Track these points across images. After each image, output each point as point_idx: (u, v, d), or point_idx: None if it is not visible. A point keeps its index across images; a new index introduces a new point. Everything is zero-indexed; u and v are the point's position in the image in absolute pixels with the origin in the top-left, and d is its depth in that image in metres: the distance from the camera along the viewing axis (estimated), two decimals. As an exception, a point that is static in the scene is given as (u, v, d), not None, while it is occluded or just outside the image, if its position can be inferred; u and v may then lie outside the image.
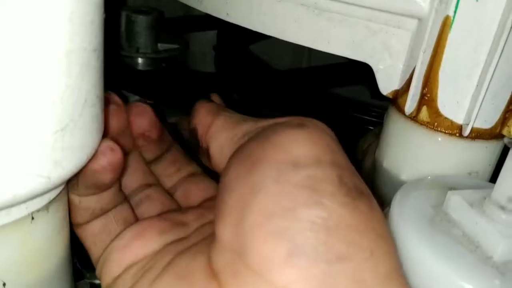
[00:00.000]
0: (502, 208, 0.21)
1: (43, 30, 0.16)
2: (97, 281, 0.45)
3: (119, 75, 0.45)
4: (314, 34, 0.30)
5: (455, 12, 0.24)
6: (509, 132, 0.27)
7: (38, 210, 0.21)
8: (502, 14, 0.23)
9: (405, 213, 0.22)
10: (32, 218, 0.21)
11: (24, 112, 0.17)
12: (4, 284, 0.21)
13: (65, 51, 0.18)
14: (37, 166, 0.19)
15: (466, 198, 0.22)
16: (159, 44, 0.47)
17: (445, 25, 0.25)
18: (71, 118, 0.19)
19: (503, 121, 0.27)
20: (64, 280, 0.26)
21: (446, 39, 0.25)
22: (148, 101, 0.43)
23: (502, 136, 0.27)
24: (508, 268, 0.19)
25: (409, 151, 0.28)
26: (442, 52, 0.25)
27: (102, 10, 0.20)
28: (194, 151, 0.26)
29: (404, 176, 0.29)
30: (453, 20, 0.25)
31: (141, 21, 0.45)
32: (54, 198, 0.22)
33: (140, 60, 0.46)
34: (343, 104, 0.46)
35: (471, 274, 0.19)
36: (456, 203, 0.22)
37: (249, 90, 0.51)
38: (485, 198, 0.21)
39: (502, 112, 0.26)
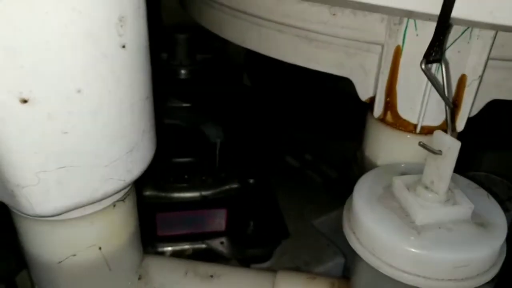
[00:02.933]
0: (427, 188, 0.30)
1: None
2: (159, 249, 0.57)
3: (165, 84, 0.55)
4: (307, 57, 0.39)
5: (403, 43, 0.33)
6: (455, 127, 0.35)
7: (118, 201, 0.33)
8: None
9: (361, 192, 0.31)
10: (114, 206, 0.32)
11: (112, 143, 0.28)
12: (100, 248, 0.33)
13: (131, 103, 0.28)
14: (118, 173, 0.30)
15: (405, 181, 0.31)
16: (197, 55, 0.57)
17: (397, 53, 0.33)
18: (136, 142, 0.30)
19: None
20: (136, 246, 0.38)
21: (399, 63, 0.34)
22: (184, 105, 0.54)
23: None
24: (424, 229, 0.29)
25: (381, 144, 0.37)
26: (397, 72, 0.34)
27: (150, 68, 0.31)
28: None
29: (379, 162, 0.38)
30: (402, 49, 0.33)
31: (181, 39, 0.56)
32: (127, 192, 0.33)
33: (181, 71, 0.57)
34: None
35: (395, 232, 0.28)
36: (397, 185, 0.31)
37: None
38: (418, 181, 0.31)
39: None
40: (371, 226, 0.29)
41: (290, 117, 0.52)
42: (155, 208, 0.54)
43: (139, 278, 0.37)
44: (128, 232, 0.35)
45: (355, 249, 0.30)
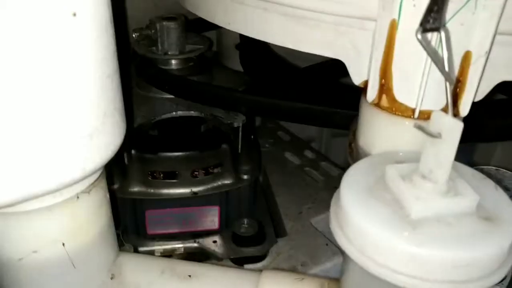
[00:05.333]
0: (424, 177, 0.26)
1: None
2: (150, 248, 0.54)
3: (153, 77, 0.52)
4: (296, 38, 0.35)
5: (399, 16, 0.29)
6: (458, 111, 0.32)
7: (81, 192, 0.30)
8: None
9: (349, 183, 0.28)
10: (77, 197, 0.29)
11: (63, 126, 0.25)
12: (63, 244, 0.30)
13: (86, 81, 0.25)
14: (76, 161, 0.27)
15: (400, 170, 0.27)
16: (186, 46, 0.54)
17: (393, 27, 0.30)
18: (95, 127, 0.27)
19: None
20: (109, 243, 0.34)
21: (394, 39, 0.30)
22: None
23: (454, 116, 0.32)
24: (420, 223, 0.25)
25: (376, 131, 0.34)
26: (392, 50, 0.30)
27: (113, 45, 0.28)
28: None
29: (374, 151, 0.34)
30: (398, 23, 0.30)
31: (171, 27, 0.53)
32: (93, 183, 0.30)
33: (171, 62, 0.54)
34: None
35: (387, 227, 0.24)
36: (391, 174, 0.27)
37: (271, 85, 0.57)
38: (415, 171, 0.27)
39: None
40: (360, 220, 0.25)
41: (286, 110, 0.48)
42: (143, 205, 0.51)
43: (112, 278, 0.34)
44: (96, 227, 0.32)
45: (343, 247, 0.27)
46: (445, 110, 0.26)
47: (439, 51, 0.26)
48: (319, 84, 0.58)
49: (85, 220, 0.31)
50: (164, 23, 0.52)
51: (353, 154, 0.39)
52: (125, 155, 0.44)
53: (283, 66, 0.61)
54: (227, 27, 0.40)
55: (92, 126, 0.27)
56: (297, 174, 0.66)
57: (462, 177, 0.27)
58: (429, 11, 0.24)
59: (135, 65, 0.54)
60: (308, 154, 0.70)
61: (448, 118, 0.24)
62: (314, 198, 0.61)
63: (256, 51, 0.60)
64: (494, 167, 0.49)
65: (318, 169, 0.67)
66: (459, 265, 0.24)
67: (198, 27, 0.59)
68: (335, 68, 0.60)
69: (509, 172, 0.47)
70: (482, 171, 0.50)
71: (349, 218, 0.26)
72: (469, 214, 0.26)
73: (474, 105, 0.32)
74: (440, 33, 0.25)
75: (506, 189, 0.46)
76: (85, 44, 0.25)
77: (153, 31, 0.52)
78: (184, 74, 0.54)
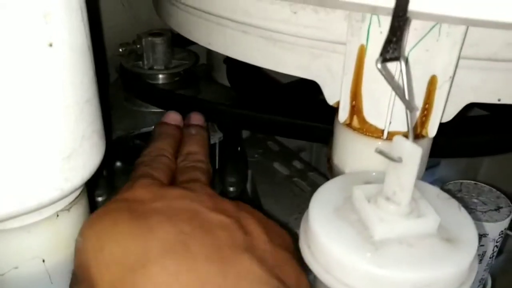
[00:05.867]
0: (388, 199, 0.27)
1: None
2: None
3: (141, 91, 0.54)
4: (274, 59, 0.36)
5: (367, 41, 0.31)
6: (426, 132, 0.33)
7: (61, 210, 0.31)
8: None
9: (318, 202, 0.29)
10: (57, 216, 0.30)
11: (40, 149, 0.26)
12: (43, 260, 0.31)
13: (63, 107, 0.26)
14: (54, 182, 0.28)
15: (366, 191, 0.28)
16: (173, 61, 0.56)
17: (361, 52, 0.31)
18: (73, 149, 0.28)
19: (420, 124, 0.32)
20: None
21: (363, 63, 0.31)
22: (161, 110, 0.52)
23: (422, 136, 0.33)
24: (383, 244, 0.26)
25: (348, 151, 0.35)
26: (362, 73, 0.32)
27: (92, 70, 0.29)
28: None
29: (347, 170, 0.35)
30: (366, 48, 0.31)
31: (158, 43, 0.54)
32: (73, 201, 0.31)
33: (158, 76, 0.55)
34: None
35: (351, 248, 0.26)
36: (357, 195, 0.28)
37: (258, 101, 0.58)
38: (380, 192, 0.28)
39: (418, 118, 0.32)
40: (325, 240, 0.26)
41: (268, 123, 0.49)
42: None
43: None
44: (76, 244, 0.33)
45: (309, 265, 0.28)
46: (406, 135, 0.27)
47: (400, 80, 0.27)
48: (301, 99, 0.59)
49: (66, 236, 0.32)
50: (150, 38, 0.53)
51: (331, 169, 0.40)
52: (104, 170, 0.45)
53: (267, 81, 0.62)
54: (208, 47, 0.41)
55: (70, 148, 0.28)
56: (285, 185, 0.67)
57: (426, 198, 0.29)
58: (388, 41, 0.25)
59: (122, 79, 0.56)
60: (297, 164, 0.71)
61: (408, 144, 0.26)
62: (301, 209, 0.62)
63: (242, 66, 0.61)
64: (473, 181, 0.50)
65: (306, 180, 0.68)
66: (420, 286, 0.25)
67: (185, 40, 0.60)
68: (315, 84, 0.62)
69: (488, 186, 0.49)
70: (461, 185, 0.51)
71: (315, 237, 0.27)
72: (431, 235, 0.27)
73: (442, 125, 0.33)
74: (400, 62, 0.26)
75: (483, 203, 0.47)
76: (62, 72, 0.26)
77: (138, 46, 0.53)
78: (170, 88, 0.55)
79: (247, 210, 0.33)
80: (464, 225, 0.28)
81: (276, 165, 0.70)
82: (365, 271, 0.25)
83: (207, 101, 0.54)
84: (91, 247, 0.28)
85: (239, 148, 0.60)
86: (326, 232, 0.27)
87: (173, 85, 0.55)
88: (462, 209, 0.29)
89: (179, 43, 0.57)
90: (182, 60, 0.56)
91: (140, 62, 0.54)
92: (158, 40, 0.53)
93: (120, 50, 0.52)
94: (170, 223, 0.28)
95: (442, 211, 0.28)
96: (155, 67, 0.54)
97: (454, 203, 0.30)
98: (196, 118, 0.45)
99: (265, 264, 0.28)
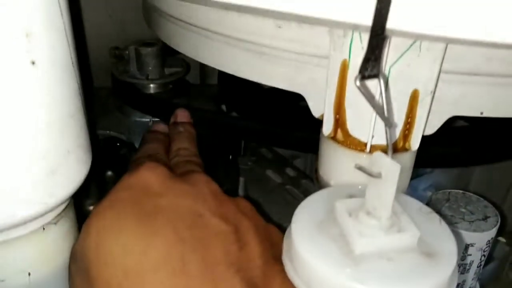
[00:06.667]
0: (369, 213, 0.27)
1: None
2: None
3: (134, 99, 0.54)
4: (260, 72, 0.37)
5: (349, 56, 0.31)
6: (409, 145, 0.33)
7: (47, 224, 0.31)
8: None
9: (300, 215, 0.29)
10: (43, 229, 0.31)
11: (24, 164, 0.27)
12: (29, 274, 0.31)
13: (47, 123, 0.27)
14: (39, 197, 0.28)
15: (348, 205, 0.29)
16: (165, 69, 0.56)
17: (344, 66, 0.31)
18: (59, 164, 0.28)
19: (403, 137, 0.33)
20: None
21: (346, 77, 0.32)
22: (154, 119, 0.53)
23: (405, 149, 0.33)
24: (363, 259, 0.26)
25: (333, 163, 0.35)
26: (345, 87, 0.32)
27: (76, 84, 0.29)
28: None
29: (332, 182, 0.35)
30: (349, 63, 0.31)
31: (149, 53, 0.54)
32: (59, 215, 0.32)
33: (150, 85, 0.55)
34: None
35: (331, 263, 0.26)
36: (339, 209, 0.29)
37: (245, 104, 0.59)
38: (361, 206, 0.28)
39: (401, 131, 0.32)
40: (306, 255, 0.27)
41: (267, 133, 0.50)
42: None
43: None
44: (62, 257, 0.33)
45: (292, 280, 0.28)
46: (385, 150, 0.27)
47: (378, 97, 0.27)
48: (288, 107, 0.60)
49: (53, 250, 0.32)
50: (141, 48, 0.54)
51: (318, 180, 0.41)
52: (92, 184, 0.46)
53: (256, 89, 0.62)
54: (195, 58, 0.41)
55: (55, 162, 0.28)
56: (278, 192, 0.67)
57: (407, 212, 0.29)
58: (366, 59, 0.25)
59: (113, 87, 0.56)
60: (290, 172, 0.71)
61: (387, 160, 0.26)
62: (293, 217, 0.62)
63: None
64: (461, 191, 0.50)
65: (299, 187, 0.68)
66: (398, 300, 0.25)
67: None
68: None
69: (476, 196, 0.49)
70: (449, 194, 0.51)
71: (296, 251, 0.27)
72: (411, 249, 0.27)
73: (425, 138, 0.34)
74: (379, 79, 0.26)
75: (471, 213, 0.47)
76: (45, 89, 0.26)
77: (128, 53, 0.53)
78: (163, 97, 0.56)
79: (247, 213, 0.33)
80: (443, 239, 0.28)
81: (269, 172, 0.71)
82: (344, 287, 0.25)
83: (199, 109, 0.54)
84: (93, 241, 0.28)
85: (230, 157, 0.60)
86: (307, 247, 0.27)
87: (164, 94, 0.55)
88: (443, 222, 0.30)
89: (171, 52, 0.57)
90: (174, 68, 0.56)
91: (132, 71, 0.55)
92: (149, 50, 0.54)
93: (111, 59, 0.53)
94: (172, 229, 0.29)
95: (423, 225, 0.28)
96: (148, 77, 0.55)
97: (435, 217, 0.30)
98: (182, 115, 0.45)
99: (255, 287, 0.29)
